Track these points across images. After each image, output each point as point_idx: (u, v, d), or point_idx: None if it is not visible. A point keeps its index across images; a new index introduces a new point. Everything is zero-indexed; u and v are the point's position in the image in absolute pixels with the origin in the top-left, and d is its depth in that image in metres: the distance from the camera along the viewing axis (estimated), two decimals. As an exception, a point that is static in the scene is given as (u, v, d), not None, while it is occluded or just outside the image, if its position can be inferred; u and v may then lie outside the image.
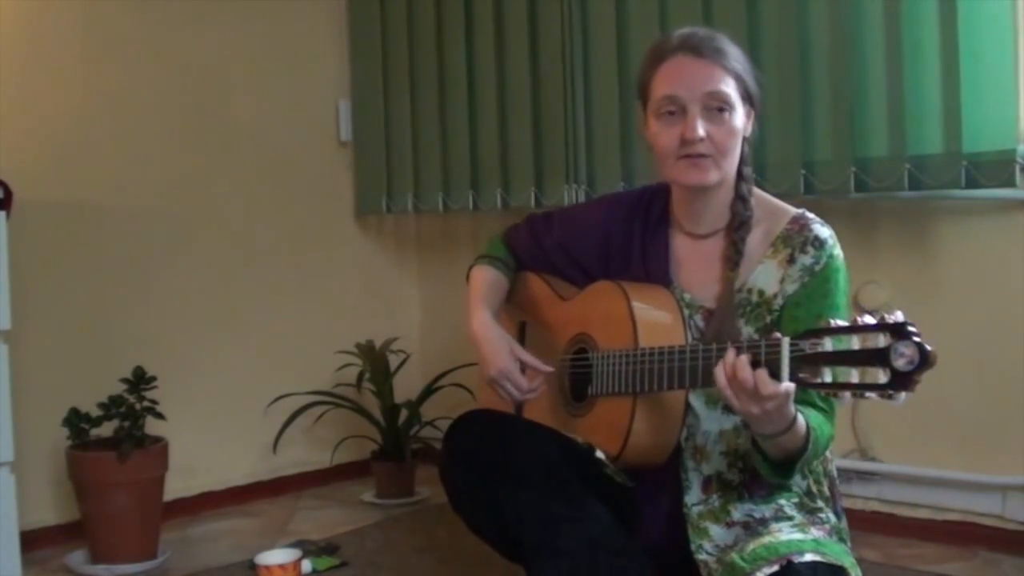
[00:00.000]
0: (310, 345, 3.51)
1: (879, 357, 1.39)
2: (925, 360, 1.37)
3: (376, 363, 3.36)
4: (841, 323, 1.45)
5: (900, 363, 1.37)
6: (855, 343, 1.42)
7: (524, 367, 1.95)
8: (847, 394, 1.43)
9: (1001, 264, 2.53)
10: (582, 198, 3.06)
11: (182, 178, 3.23)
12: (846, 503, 1.96)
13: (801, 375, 1.47)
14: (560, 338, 1.99)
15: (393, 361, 3.42)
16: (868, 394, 1.40)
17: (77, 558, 2.71)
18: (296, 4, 3.52)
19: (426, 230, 3.82)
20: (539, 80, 3.19)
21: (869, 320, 1.42)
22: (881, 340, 1.39)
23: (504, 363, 1.93)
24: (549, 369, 1.94)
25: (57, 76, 2.98)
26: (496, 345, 1.95)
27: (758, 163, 2.71)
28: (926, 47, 2.47)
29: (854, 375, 1.42)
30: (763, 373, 1.50)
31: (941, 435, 2.65)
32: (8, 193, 2.57)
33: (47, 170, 2.94)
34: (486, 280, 2.08)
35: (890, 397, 1.38)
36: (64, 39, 2.99)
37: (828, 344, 1.45)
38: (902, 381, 1.37)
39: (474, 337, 1.99)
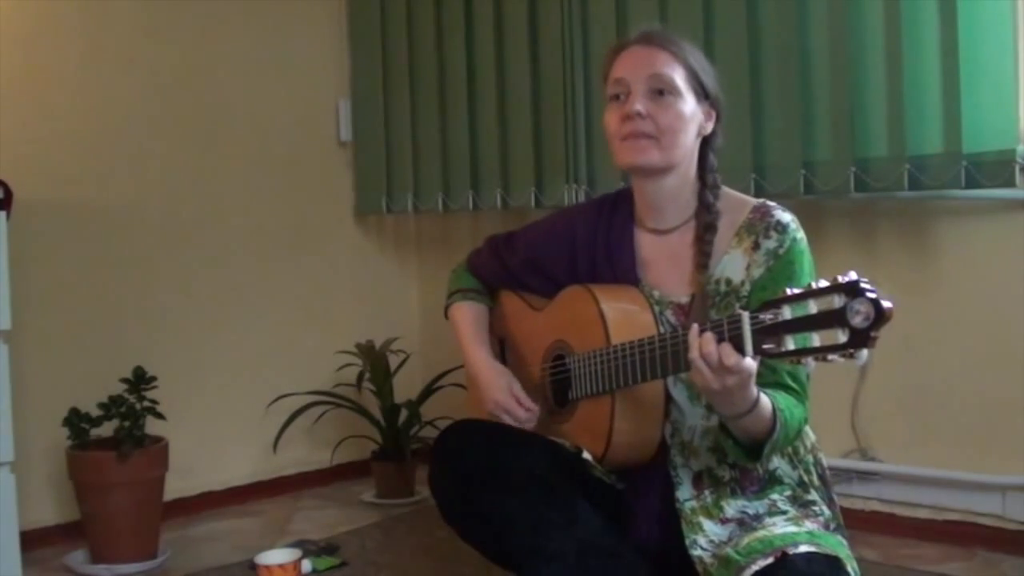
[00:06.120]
0: (310, 345, 3.51)
1: (836, 317, 1.40)
2: (881, 314, 1.37)
3: (376, 363, 3.36)
4: (797, 290, 1.46)
5: (857, 320, 1.38)
6: (812, 307, 1.43)
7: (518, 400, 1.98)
8: (811, 360, 1.44)
9: (1001, 264, 2.53)
10: (582, 198, 3.06)
11: (182, 178, 3.24)
12: (846, 503, 1.96)
13: (765, 346, 1.48)
14: (538, 348, 2.01)
15: (393, 361, 3.42)
16: (831, 356, 1.41)
17: (77, 558, 2.71)
18: (296, 4, 3.52)
19: (426, 230, 3.82)
20: (539, 80, 3.19)
21: (823, 283, 1.43)
22: (836, 300, 1.40)
23: (501, 398, 1.96)
24: (534, 408, 1.96)
25: (57, 76, 2.98)
26: (494, 381, 1.99)
27: (758, 163, 2.72)
28: (926, 47, 2.47)
29: (815, 339, 1.43)
30: (727, 346, 1.52)
31: (941, 435, 2.65)
32: (8, 193, 2.57)
33: (47, 170, 2.94)
34: (468, 316, 2.11)
35: (852, 356, 1.39)
36: (64, 40, 2.99)
37: (787, 312, 1.46)
38: (860, 338, 1.38)
39: (474, 375, 2.04)
